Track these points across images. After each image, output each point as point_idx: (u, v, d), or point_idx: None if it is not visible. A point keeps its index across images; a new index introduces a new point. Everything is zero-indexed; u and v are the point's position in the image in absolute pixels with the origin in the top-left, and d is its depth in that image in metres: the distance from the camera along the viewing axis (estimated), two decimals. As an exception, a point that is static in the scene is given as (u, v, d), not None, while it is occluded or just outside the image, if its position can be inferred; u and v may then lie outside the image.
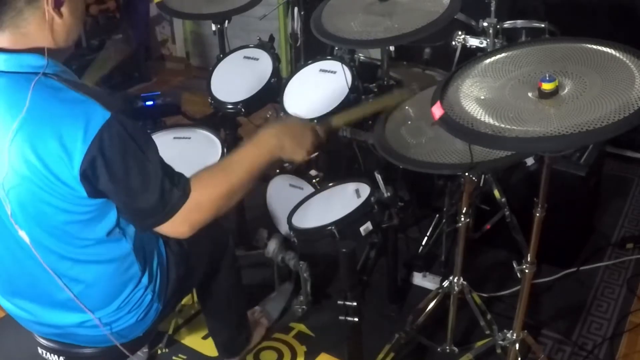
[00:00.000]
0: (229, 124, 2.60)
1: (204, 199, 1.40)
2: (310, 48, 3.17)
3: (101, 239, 1.42)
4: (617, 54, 1.49)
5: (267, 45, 2.52)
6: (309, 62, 2.44)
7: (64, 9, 1.33)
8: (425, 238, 2.63)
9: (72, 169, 1.27)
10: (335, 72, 2.32)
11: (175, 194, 1.36)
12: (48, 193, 1.30)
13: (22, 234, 1.37)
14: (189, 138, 2.28)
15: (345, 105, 2.18)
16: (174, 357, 2.28)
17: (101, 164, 1.27)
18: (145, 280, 1.54)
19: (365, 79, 2.39)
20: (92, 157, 1.26)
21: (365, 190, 2.13)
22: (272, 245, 2.39)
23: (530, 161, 2.40)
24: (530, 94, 1.47)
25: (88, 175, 1.28)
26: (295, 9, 3.24)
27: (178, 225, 1.39)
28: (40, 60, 1.30)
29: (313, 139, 1.63)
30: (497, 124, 1.41)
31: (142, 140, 1.33)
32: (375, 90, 2.37)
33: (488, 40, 2.41)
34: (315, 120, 2.16)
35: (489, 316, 2.18)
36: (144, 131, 1.39)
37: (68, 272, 1.43)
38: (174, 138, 2.28)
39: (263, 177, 2.64)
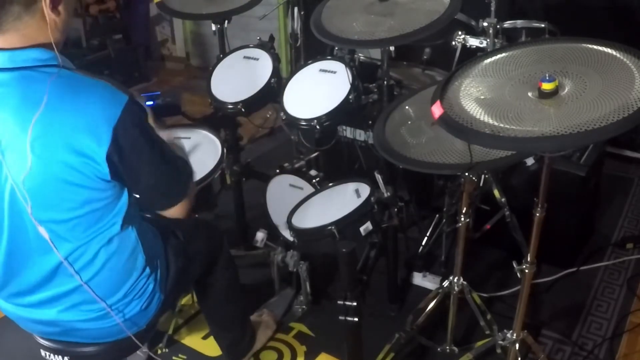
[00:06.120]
0: (229, 124, 2.60)
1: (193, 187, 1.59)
2: (310, 48, 3.17)
3: (112, 227, 1.45)
4: (617, 54, 1.49)
5: (267, 45, 2.52)
6: (309, 62, 2.43)
7: (60, 7, 1.34)
8: (425, 238, 2.62)
9: (100, 150, 1.30)
10: (335, 72, 2.32)
11: (188, 168, 1.54)
12: (74, 184, 1.32)
13: (42, 231, 1.38)
14: (189, 138, 2.28)
15: (345, 105, 2.18)
16: (174, 357, 2.28)
17: (127, 141, 1.33)
18: (148, 269, 1.57)
19: (365, 79, 2.39)
20: (117, 136, 1.31)
21: (365, 190, 2.13)
22: (260, 235, 2.44)
23: (530, 161, 2.40)
24: (530, 94, 1.47)
25: (115, 154, 1.32)
26: (295, 9, 3.24)
27: (185, 204, 1.52)
28: (45, 53, 1.32)
29: None
30: (496, 123, 1.41)
31: None
32: (375, 90, 2.37)
33: (488, 40, 2.40)
34: (315, 121, 2.17)
35: (489, 316, 2.18)
36: None
37: (79, 260, 1.44)
38: (174, 138, 2.28)
39: (263, 177, 2.65)
